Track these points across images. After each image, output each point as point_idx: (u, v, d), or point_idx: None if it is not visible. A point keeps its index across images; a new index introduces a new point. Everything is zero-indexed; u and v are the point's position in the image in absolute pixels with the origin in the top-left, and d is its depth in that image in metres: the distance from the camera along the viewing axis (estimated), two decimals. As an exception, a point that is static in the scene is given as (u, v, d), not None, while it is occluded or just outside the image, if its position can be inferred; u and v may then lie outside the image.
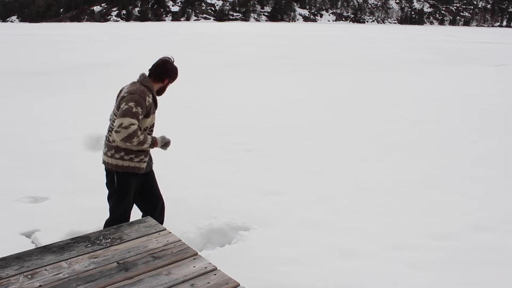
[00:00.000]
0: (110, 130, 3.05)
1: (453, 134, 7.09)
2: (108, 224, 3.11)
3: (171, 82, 3.17)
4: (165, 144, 3.15)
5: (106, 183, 3.16)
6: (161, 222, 3.31)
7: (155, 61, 3.12)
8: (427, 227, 3.79)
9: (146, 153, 3.12)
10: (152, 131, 3.11)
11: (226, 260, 3.03)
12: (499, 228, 3.79)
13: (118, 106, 2.97)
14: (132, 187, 3.11)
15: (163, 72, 3.07)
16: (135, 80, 3.07)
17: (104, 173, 3.16)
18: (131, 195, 3.14)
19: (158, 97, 3.16)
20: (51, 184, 4.76)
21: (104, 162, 3.10)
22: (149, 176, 3.26)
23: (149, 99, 2.97)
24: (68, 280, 2.11)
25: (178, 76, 3.18)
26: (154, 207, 3.28)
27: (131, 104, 2.86)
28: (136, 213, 3.33)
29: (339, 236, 3.61)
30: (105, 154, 3.08)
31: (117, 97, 3.08)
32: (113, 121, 3.00)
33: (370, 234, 3.64)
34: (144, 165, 3.10)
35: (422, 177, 5.08)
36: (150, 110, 2.99)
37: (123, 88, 3.10)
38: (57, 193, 4.51)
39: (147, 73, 3.11)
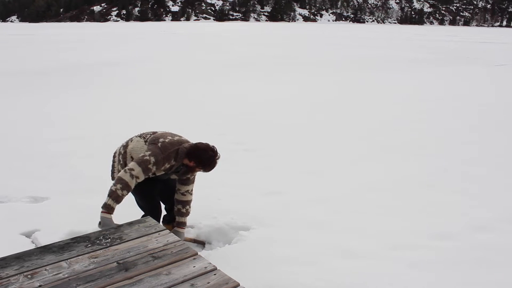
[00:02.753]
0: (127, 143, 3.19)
1: (453, 134, 7.09)
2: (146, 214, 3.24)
3: (200, 169, 3.08)
4: (103, 224, 2.84)
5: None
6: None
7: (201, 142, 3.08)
8: (427, 227, 3.79)
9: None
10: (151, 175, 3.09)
11: (226, 260, 3.03)
12: (499, 228, 3.79)
13: (145, 138, 3.09)
14: (147, 183, 3.13)
15: (194, 155, 3.01)
16: (177, 138, 3.08)
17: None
18: (150, 189, 3.23)
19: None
20: (51, 184, 4.76)
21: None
22: (171, 181, 3.37)
23: (168, 165, 3.00)
24: (68, 280, 2.12)
25: (214, 168, 3.09)
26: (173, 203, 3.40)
27: (152, 159, 2.90)
28: (138, 213, 3.34)
29: (339, 236, 3.61)
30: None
31: (151, 133, 3.16)
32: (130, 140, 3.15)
33: (370, 234, 3.64)
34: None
35: (422, 177, 5.08)
36: (161, 171, 3.03)
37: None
38: (57, 193, 4.51)
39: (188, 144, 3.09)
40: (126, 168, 2.89)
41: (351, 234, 3.64)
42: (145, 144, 3.06)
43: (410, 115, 8.51)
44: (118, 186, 2.83)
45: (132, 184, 2.86)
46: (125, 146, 3.18)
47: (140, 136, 3.18)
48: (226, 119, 7.99)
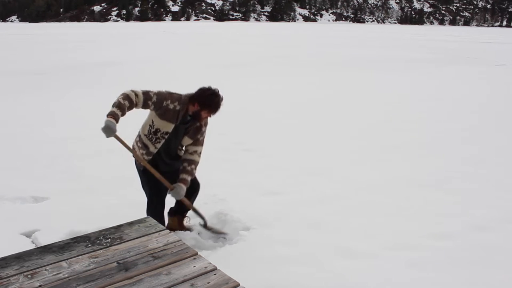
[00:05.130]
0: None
1: (453, 133, 7.09)
2: (147, 209, 3.40)
3: (204, 110, 3.15)
4: (106, 129, 2.89)
5: None
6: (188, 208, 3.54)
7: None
8: (427, 227, 3.79)
9: (148, 151, 3.22)
10: (163, 137, 3.17)
11: (226, 260, 3.03)
12: (499, 228, 3.79)
13: None
14: (146, 173, 3.26)
15: (197, 96, 3.15)
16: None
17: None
18: (151, 183, 3.30)
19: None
20: (51, 184, 4.76)
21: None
22: None
23: (171, 105, 3.09)
24: (68, 280, 2.12)
25: (218, 110, 3.19)
26: (188, 198, 3.44)
27: (155, 90, 3.11)
28: (138, 213, 3.33)
29: (339, 236, 3.61)
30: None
31: None
32: None
33: (370, 234, 3.64)
34: (141, 161, 3.18)
35: (422, 177, 5.08)
36: (165, 115, 3.10)
37: None
38: (57, 193, 4.51)
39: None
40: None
41: (351, 234, 3.64)
42: None
43: (410, 115, 8.50)
44: (120, 97, 3.01)
45: (132, 96, 3.00)
46: None
47: None
48: (226, 119, 7.96)
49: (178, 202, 3.54)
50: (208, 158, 5.73)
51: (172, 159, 3.34)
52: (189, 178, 3.30)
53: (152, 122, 3.17)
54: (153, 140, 3.19)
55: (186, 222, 3.70)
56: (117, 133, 2.95)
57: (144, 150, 3.24)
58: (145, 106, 3.09)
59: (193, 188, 3.51)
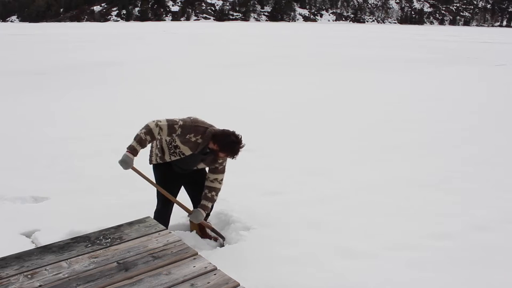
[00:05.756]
0: None
1: (453, 133, 7.08)
2: (155, 212, 3.40)
3: (223, 154, 3.14)
4: (123, 163, 3.08)
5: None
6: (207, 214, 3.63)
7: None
8: (427, 227, 3.79)
9: (163, 156, 3.28)
10: (178, 154, 3.20)
11: (226, 260, 3.03)
12: (499, 228, 3.79)
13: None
14: (163, 177, 3.33)
15: (219, 139, 3.10)
16: (209, 123, 3.22)
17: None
18: (165, 185, 3.33)
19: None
20: (51, 184, 4.76)
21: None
22: (195, 176, 3.47)
23: (193, 138, 3.10)
24: (68, 280, 2.12)
25: (236, 156, 3.18)
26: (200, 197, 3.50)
27: (180, 120, 3.09)
28: (138, 213, 3.33)
29: (339, 236, 3.61)
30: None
31: None
32: None
33: (370, 234, 3.64)
34: (158, 160, 3.28)
35: (422, 177, 5.08)
36: (186, 142, 3.11)
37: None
38: (57, 193, 4.51)
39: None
40: (155, 119, 3.08)
41: (351, 234, 3.64)
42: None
43: (410, 115, 8.50)
44: (143, 130, 3.05)
45: (155, 131, 3.02)
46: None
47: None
48: (226, 119, 7.97)
49: (194, 205, 3.60)
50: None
51: (187, 168, 3.40)
52: (209, 205, 3.36)
53: (174, 138, 3.19)
54: (171, 151, 3.23)
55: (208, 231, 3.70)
56: (134, 165, 3.12)
57: (160, 153, 3.28)
58: (168, 137, 3.14)
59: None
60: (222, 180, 3.38)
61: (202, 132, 3.11)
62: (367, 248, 3.42)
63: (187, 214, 3.41)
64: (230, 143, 3.10)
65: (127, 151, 3.06)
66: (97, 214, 3.90)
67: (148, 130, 3.04)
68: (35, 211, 4.10)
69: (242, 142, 3.15)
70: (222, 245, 3.56)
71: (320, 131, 7.27)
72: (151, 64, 17.51)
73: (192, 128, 3.09)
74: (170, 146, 3.21)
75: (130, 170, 3.14)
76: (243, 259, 3.21)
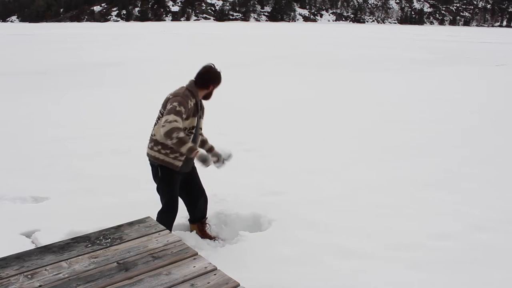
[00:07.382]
0: (155, 125, 3.28)
1: (453, 133, 7.08)
2: (158, 214, 3.33)
3: (216, 87, 3.33)
4: (204, 160, 3.09)
5: (152, 176, 3.35)
6: (204, 215, 3.68)
7: (199, 70, 3.28)
8: (426, 227, 3.79)
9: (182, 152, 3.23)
10: (191, 133, 3.25)
11: (226, 260, 3.03)
12: (499, 228, 3.79)
13: (164, 107, 3.19)
14: (175, 179, 3.31)
15: (208, 79, 3.26)
16: (184, 85, 3.28)
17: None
18: (175, 187, 3.34)
19: (205, 101, 3.39)
20: (51, 184, 4.76)
21: (147, 155, 3.32)
22: (192, 172, 3.50)
23: (191, 103, 3.17)
24: (68, 280, 2.12)
25: (222, 79, 3.32)
26: (196, 201, 3.58)
27: (175, 104, 3.07)
28: (138, 213, 3.33)
29: (339, 236, 3.61)
30: (147, 147, 3.32)
31: (164, 100, 3.28)
32: (158, 119, 3.25)
33: (370, 234, 3.64)
34: (179, 163, 3.24)
35: (422, 177, 5.08)
36: (190, 113, 3.18)
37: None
38: (57, 193, 4.51)
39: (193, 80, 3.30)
40: (162, 123, 3.04)
41: (351, 234, 3.64)
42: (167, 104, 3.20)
43: (410, 115, 8.50)
44: (174, 135, 2.97)
45: (178, 124, 3.00)
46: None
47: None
48: (226, 118, 7.99)
49: (190, 211, 3.64)
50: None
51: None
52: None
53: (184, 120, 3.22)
54: (189, 137, 3.24)
55: (207, 229, 3.71)
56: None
57: (176, 153, 3.22)
58: (184, 121, 3.16)
59: (196, 198, 3.59)
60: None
61: (189, 93, 3.19)
62: (367, 248, 3.42)
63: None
64: (219, 73, 3.29)
65: (194, 153, 3.04)
66: (97, 214, 3.90)
67: (176, 131, 2.98)
68: (35, 211, 4.10)
69: (213, 64, 3.33)
70: (222, 246, 3.57)
71: (320, 131, 7.27)
72: (151, 64, 17.51)
73: (182, 99, 3.11)
74: (187, 132, 3.20)
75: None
76: (243, 259, 3.21)
